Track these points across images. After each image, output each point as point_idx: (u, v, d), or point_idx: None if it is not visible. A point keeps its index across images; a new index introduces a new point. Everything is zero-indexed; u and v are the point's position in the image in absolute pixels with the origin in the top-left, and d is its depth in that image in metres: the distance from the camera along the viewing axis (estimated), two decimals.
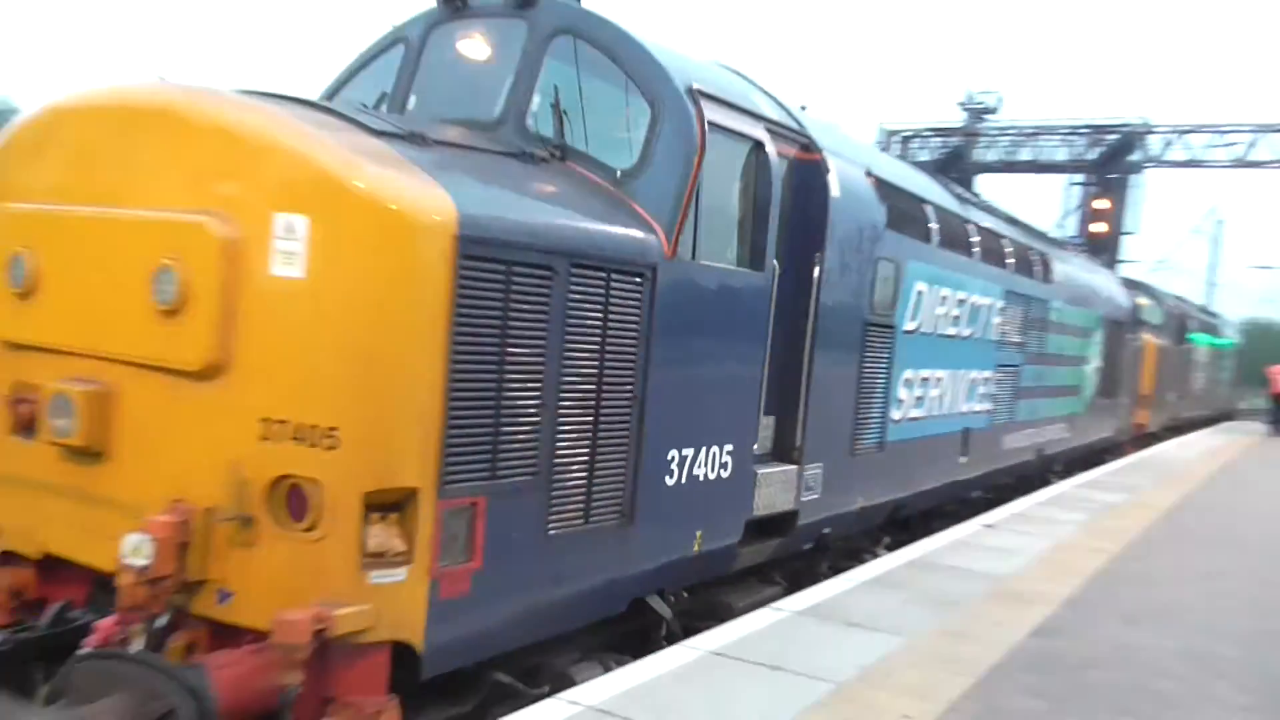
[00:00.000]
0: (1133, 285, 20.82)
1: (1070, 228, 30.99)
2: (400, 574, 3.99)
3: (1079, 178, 32.94)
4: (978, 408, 10.53)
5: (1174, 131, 32.56)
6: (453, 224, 4.05)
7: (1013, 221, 12.31)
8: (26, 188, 4.62)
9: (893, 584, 6.79)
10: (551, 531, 4.68)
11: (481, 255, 4.18)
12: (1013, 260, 11.18)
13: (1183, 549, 9.08)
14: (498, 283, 4.26)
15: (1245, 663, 5.79)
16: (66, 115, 4.67)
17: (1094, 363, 15.36)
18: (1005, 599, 6.65)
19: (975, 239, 10.08)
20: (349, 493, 3.89)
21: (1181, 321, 25.20)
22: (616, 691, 4.41)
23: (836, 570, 7.52)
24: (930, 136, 35.92)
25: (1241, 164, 31.26)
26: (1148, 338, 20.20)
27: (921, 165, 35.07)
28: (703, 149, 5.47)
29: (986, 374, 10.65)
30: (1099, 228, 30.03)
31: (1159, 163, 32.61)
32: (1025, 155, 34.46)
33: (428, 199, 4.06)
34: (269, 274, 3.96)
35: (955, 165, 34.51)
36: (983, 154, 35.12)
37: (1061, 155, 33.60)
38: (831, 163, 6.93)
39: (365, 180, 3.97)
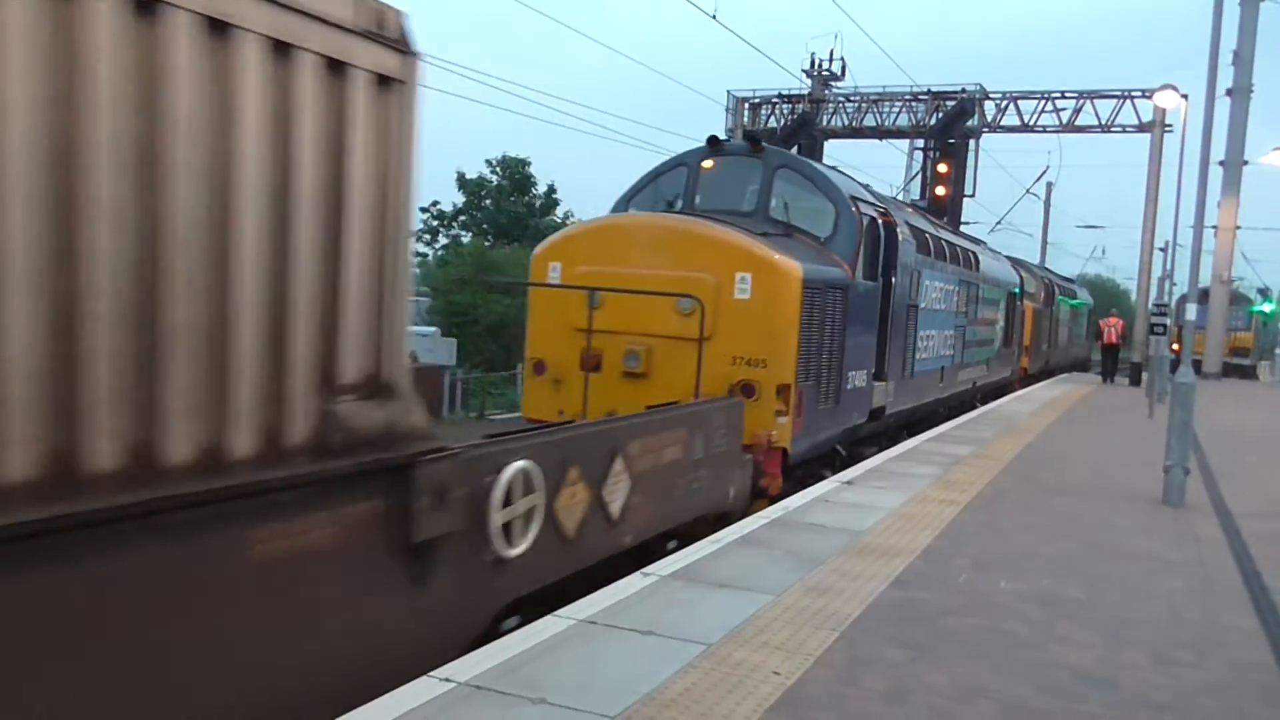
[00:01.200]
0: (1017, 263, 26.52)
1: (914, 191, 32.05)
2: (785, 419, 9.29)
3: (921, 143, 34.06)
4: (947, 354, 16.09)
5: (1006, 98, 34.00)
6: (800, 275, 9.41)
7: (956, 232, 19.74)
8: (594, 258, 9.70)
9: (758, 543, 6.90)
10: (820, 406, 10.14)
11: (808, 287, 9.53)
12: (960, 258, 16.58)
13: (1026, 497, 9.53)
14: (812, 298, 9.67)
15: (1089, 604, 6.10)
16: (624, 224, 10.27)
17: (999, 323, 21.19)
18: (865, 553, 6.85)
19: (945, 248, 15.55)
20: (769, 385, 9.22)
21: (1050, 289, 31.34)
22: (489, 666, 4.34)
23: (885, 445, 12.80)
24: (779, 103, 36.55)
25: (1069, 128, 32.91)
26: (1028, 304, 25.64)
27: (770, 133, 35.70)
28: (860, 226, 11.02)
29: (950, 333, 16.16)
30: (941, 191, 31.14)
31: (993, 128, 34.03)
32: (870, 121, 35.47)
33: (792, 263, 9.41)
34: (733, 298, 9.25)
35: (803, 132, 35.27)
36: (829, 120, 35.95)
37: (904, 121, 34.70)
38: (897, 218, 12.54)
39: (772, 256, 9.34)
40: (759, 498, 9.02)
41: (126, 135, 3.29)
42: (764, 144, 11.48)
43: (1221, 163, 32.63)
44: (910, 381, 13.56)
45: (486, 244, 41.96)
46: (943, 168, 31.94)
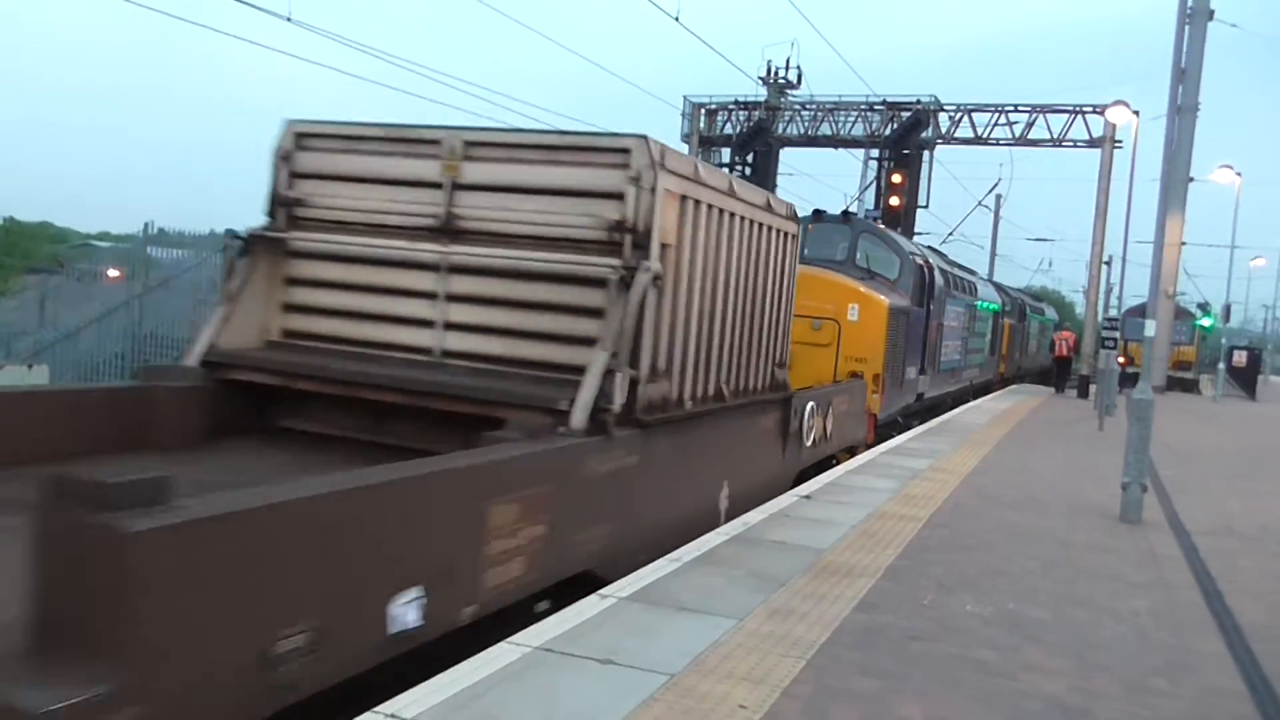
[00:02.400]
0: (999, 287, 31.75)
1: (869, 200, 32.14)
2: (877, 396, 14.39)
3: (875, 152, 34.20)
4: (957, 358, 21.87)
5: (960, 110, 34.25)
6: (887, 305, 14.68)
7: (960, 266, 24.78)
8: None
9: (718, 562, 6.69)
10: (892, 389, 15.21)
11: (890, 312, 14.71)
12: (965, 288, 22.84)
13: (985, 512, 9.43)
14: (891, 320, 14.80)
15: (1054, 625, 5.97)
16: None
17: (988, 336, 26.93)
18: (827, 573, 6.67)
19: (958, 281, 22.03)
20: (870, 375, 14.27)
21: (1022, 307, 35.84)
22: (439, 700, 4.08)
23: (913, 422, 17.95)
24: (735, 109, 36.53)
25: (1021, 142, 33.22)
26: (1006, 320, 30.50)
27: (726, 139, 35.53)
28: (914, 270, 16.85)
29: (959, 343, 21.85)
30: (895, 201, 31.27)
31: (947, 139, 34.27)
32: (825, 130, 35.56)
33: (881, 298, 14.74)
34: (847, 320, 14.20)
35: (759, 139, 35.26)
36: (785, 128, 35.99)
37: (859, 131, 34.83)
38: (933, 265, 18.66)
39: (872, 294, 14.71)
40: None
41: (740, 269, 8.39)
42: (851, 214, 17.50)
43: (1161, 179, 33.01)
44: (938, 376, 19.62)
45: None
46: (897, 178, 32.06)
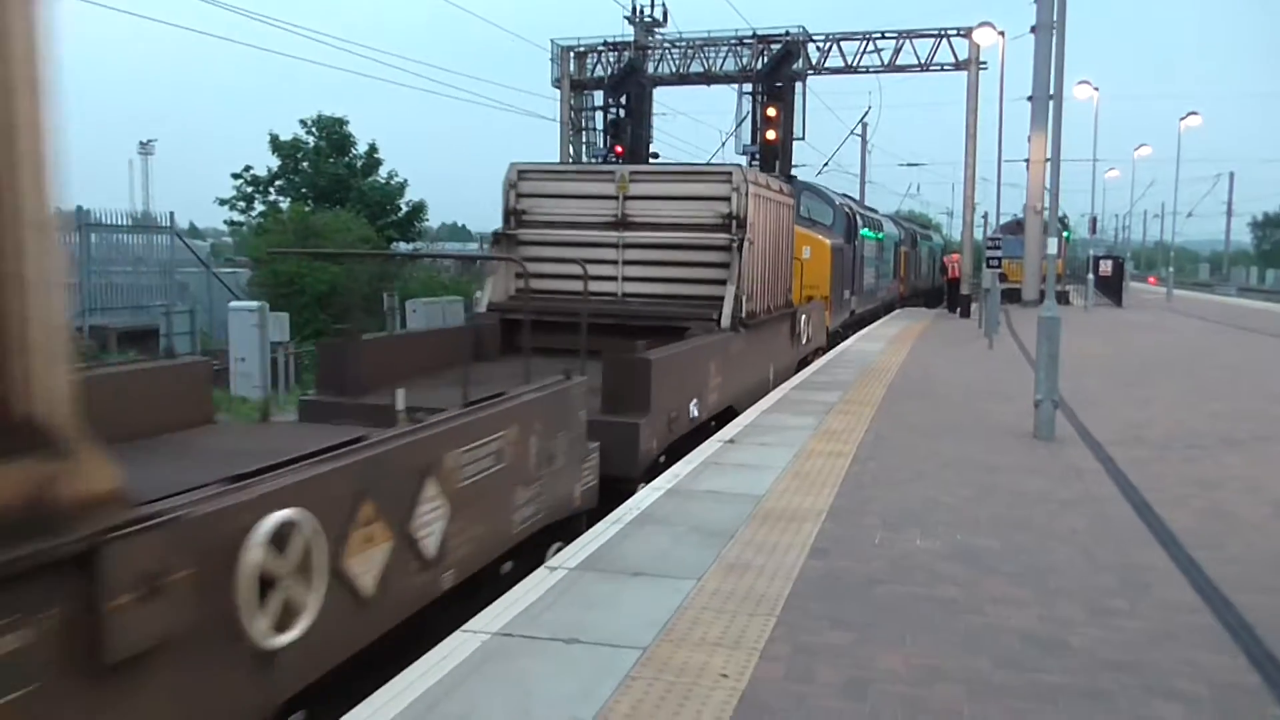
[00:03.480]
0: (896, 220, 37.75)
1: (745, 135, 32.01)
2: (828, 313, 19.40)
3: (749, 87, 34.03)
4: (872, 283, 27.86)
5: (829, 39, 34.32)
6: (829, 244, 20.80)
7: (867, 208, 31.59)
8: None
9: (659, 520, 6.46)
10: (836, 307, 21.41)
11: (832, 251, 20.91)
12: (874, 225, 27.88)
13: (907, 442, 9.44)
14: (836, 257, 21.16)
15: (1005, 554, 5.94)
16: None
17: (891, 263, 33.05)
18: (771, 520, 6.52)
19: (869, 220, 27.46)
20: (821, 297, 19.18)
21: (914, 236, 41.84)
22: (402, 707, 3.75)
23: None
24: (604, 51, 35.89)
25: (890, 69, 33.51)
26: (903, 249, 36.15)
27: (599, 81, 34.94)
28: (844, 216, 23.70)
29: (873, 271, 27.46)
30: (771, 135, 31.22)
31: (818, 70, 34.33)
32: (696, 68, 35.21)
33: (825, 240, 20.82)
34: (803, 258, 16.63)
35: (631, 80, 34.71)
36: (657, 68, 35.53)
37: (730, 66, 34.58)
38: (855, 210, 26.04)
39: (818, 237, 20.46)
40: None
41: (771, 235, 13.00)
42: (794, 177, 22.99)
43: (1030, 98, 33.91)
44: (861, 297, 25.49)
45: (307, 209, 39.84)
46: (771, 111, 31.91)
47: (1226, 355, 19.20)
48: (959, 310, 29.54)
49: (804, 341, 15.84)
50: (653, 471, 8.04)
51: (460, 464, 4.88)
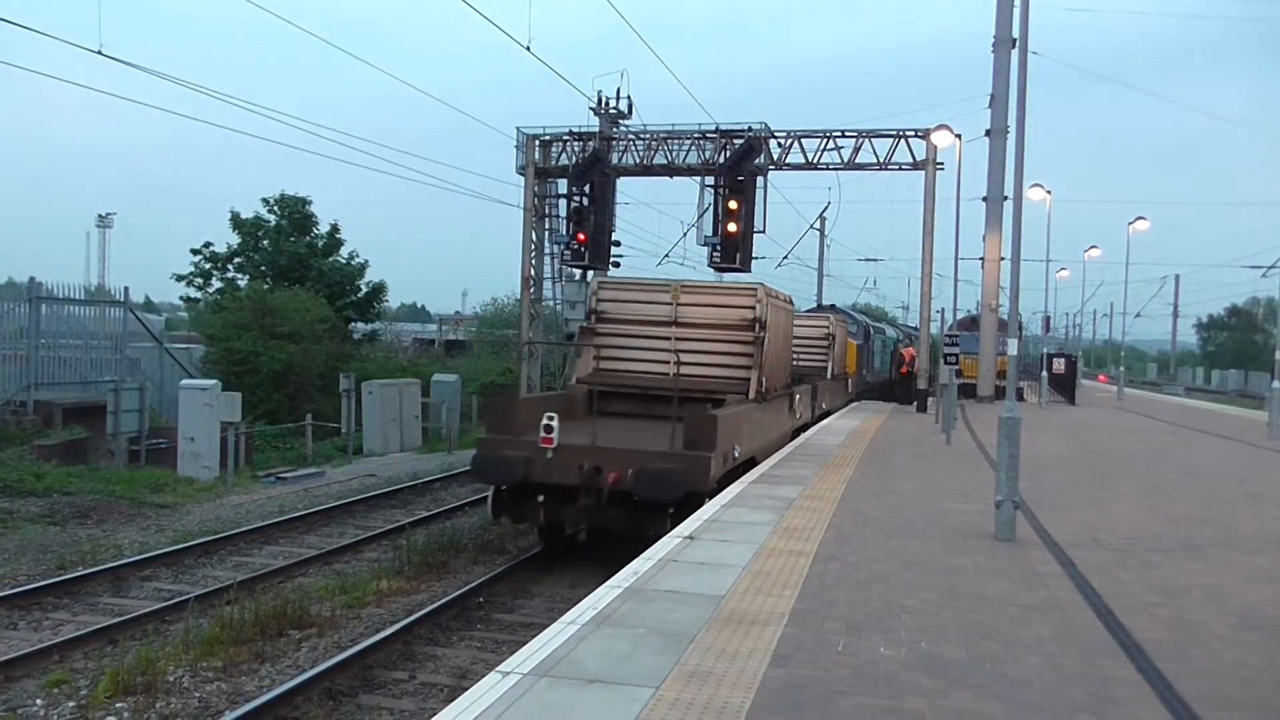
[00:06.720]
0: (851, 317, 40.20)
1: (707, 226, 32.32)
2: (851, 386, 33.93)
3: (711, 180, 34.48)
4: (868, 370, 40.17)
5: (790, 136, 34.96)
6: (855, 345, 35.31)
7: (869, 314, 53.29)
8: None
9: (616, 622, 6.25)
10: (855, 384, 34.91)
11: (859, 347, 36.35)
12: (871, 330, 42.28)
13: (869, 541, 9.31)
14: (857, 349, 36.26)
15: (971, 664, 5.78)
16: None
17: (871, 357, 41.28)
18: (732, 623, 6.32)
19: (870, 326, 43.54)
20: (849, 372, 34.17)
21: (867, 329, 44.36)
22: None
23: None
24: (570, 140, 36.30)
25: (849, 166, 34.13)
26: (851, 341, 39.29)
27: (563, 170, 35.31)
28: (863, 328, 39.82)
29: (872, 360, 42.25)
30: (733, 227, 31.57)
31: (779, 165, 34.90)
32: (660, 159, 35.65)
33: (853, 340, 35.02)
34: (838, 346, 29.38)
35: (595, 169, 35.08)
36: (621, 158, 35.96)
37: (693, 159, 35.04)
38: (871, 326, 43.81)
39: (849, 338, 33.39)
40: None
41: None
42: (835, 305, 38.77)
43: (984, 198, 34.70)
44: (866, 378, 35.80)
45: (265, 286, 39.56)
46: (733, 204, 32.33)
47: (1179, 456, 19.35)
48: (915, 405, 29.71)
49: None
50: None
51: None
